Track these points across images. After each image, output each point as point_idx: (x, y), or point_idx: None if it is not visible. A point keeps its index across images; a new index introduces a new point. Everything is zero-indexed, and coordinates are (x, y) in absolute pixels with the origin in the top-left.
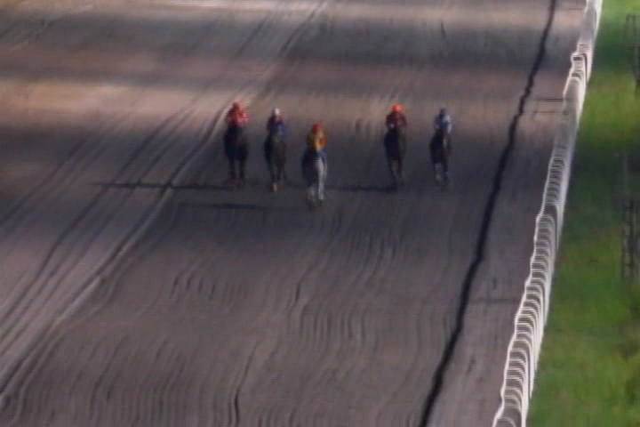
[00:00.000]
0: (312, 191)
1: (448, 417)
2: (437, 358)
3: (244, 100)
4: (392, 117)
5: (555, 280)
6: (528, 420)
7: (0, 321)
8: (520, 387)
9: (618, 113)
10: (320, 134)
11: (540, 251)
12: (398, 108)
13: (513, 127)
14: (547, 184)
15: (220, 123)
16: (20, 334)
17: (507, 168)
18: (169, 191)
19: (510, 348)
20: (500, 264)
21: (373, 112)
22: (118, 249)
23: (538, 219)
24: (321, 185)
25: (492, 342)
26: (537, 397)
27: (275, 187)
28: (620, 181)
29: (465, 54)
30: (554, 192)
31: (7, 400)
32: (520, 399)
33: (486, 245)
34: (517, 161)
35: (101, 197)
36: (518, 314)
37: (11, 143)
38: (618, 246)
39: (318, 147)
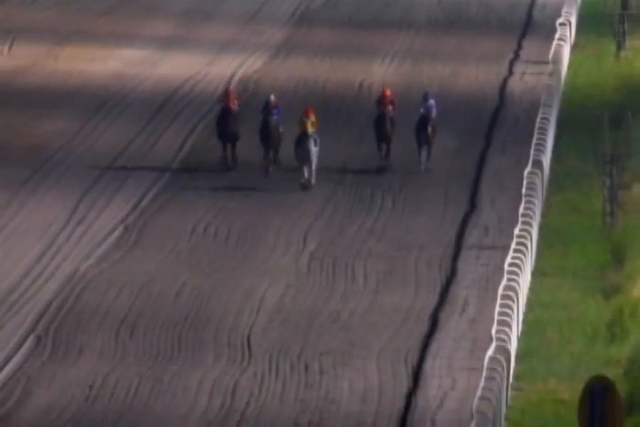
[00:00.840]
0: (305, 173)
1: (443, 354)
2: (433, 300)
3: (256, 63)
4: (382, 101)
5: (541, 228)
6: (517, 357)
7: (31, 266)
8: (509, 326)
9: (599, 74)
10: (312, 117)
11: (527, 201)
12: (388, 91)
13: (503, 87)
14: (534, 140)
15: (234, 84)
16: (50, 277)
17: (497, 125)
18: (187, 146)
19: (500, 290)
20: (491, 213)
21: (375, 73)
22: (140, 200)
23: (526, 172)
24: (313, 167)
25: (483, 285)
26: (525, 335)
27: (270, 169)
28: (602, 137)
29: (459, 20)
30: (540, 147)
31: (38, 339)
32: (509, 338)
33: (478, 196)
34: (507, 118)
35: (125, 152)
36: (508, 259)
37: (41, 102)
38: (599, 197)
39: (310, 129)
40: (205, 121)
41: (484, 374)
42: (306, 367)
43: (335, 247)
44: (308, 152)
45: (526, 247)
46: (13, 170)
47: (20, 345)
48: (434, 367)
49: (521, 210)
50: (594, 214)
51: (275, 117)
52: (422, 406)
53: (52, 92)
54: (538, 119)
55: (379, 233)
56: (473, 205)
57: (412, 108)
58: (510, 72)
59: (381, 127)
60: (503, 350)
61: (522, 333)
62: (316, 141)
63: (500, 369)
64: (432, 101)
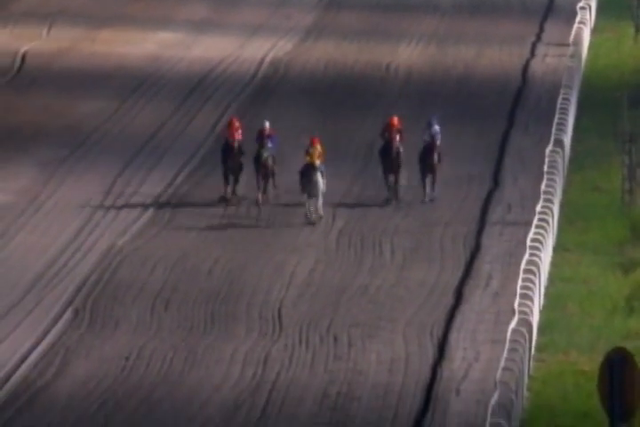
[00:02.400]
0: (311, 206)
1: (467, 326)
2: (458, 275)
3: (286, 45)
4: (388, 130)
5: (562, 205)
6: (539, 329)
7: (69, 241)
8: (531, 300)
9: (618, 56)
10: (318, 148)
11: (549, 179)
12: (395, 121)
13: (525, 69)
14: (555, 119)
15: (265, 66)
16: (88, 252)
17: (520, 105)
18: (220, 126)
19: (523, 265)
20: (513, 191)
21: (401, 55)
22: (175, 177)
23: (547, 150)
24: (320, 199)
25: (506, 260)
26: (546, 309)
27: (260, 199)
28: (621, 117)
29: (482, 4)
30: (562, 127)
31: (76, 312)
32: (531, 311)
33: (501, 174)
34: (529, 99)
35: (160, 131)
36: (530, 235)
37: (79, 83)
38: (618, 175)
39: (317, 161)
40: (238, 101)
41: (507, 345)
42: (335, 339)
43: (362, 224)
44: (315, 184)
45: (548, 223)
46: (52, 149)
47: (58, 318)
48: (458, 339)
49: (543, 187)
50: (613, 192)
51: (268, 147)
52: (447, 377)
53: (89, 74)
54: (559, 100)
55: (405, 210)
56: (496, 182)
57: (436, 89)
58: (532, 54)
59: (387, 158)
60: (525, 323)
61: (543, 306)
62: (322, 173)
63: (522, 341)
64: (437, 127)
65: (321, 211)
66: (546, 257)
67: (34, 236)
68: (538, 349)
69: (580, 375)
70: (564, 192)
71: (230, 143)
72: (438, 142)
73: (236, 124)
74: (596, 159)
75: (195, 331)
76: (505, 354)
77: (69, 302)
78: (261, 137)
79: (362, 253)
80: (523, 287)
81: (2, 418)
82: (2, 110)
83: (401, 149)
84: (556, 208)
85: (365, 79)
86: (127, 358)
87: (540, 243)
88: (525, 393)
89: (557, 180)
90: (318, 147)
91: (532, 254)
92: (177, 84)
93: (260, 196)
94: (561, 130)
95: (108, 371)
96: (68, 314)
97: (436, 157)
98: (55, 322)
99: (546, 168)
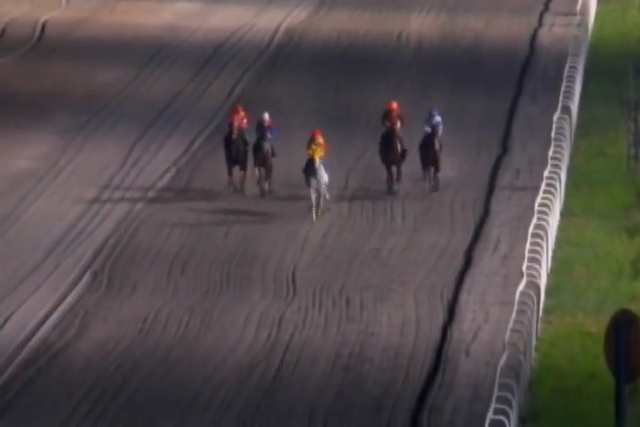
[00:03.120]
0: (315, 201)
1: (477, 289)
2: (467, 238)
3: (300, 15)
4: (388, 116)
5: (569, 171)
6: (546, 292)
7: (88, 206)
8: (539, 263)
9: (624, 26)
10: (320, 141)
11: (556, 145)
12: (394, 105)
13: (533, 38)
14: (562, 87)
15: (280, 35)
16: (106, 217)
17: (528, 73)
18: (235, 93)
19: (531, 229)
20: (522, 157)
21: (412, 24)
22: (191, 143)
23: (555, 117)
24: (322, 194)
25: (515, 224)
26: (554, 272)
27: (262, 189)
28: (626, 85)
29: None
30: (569, 94)
31: (94, 275)
32: (539, 274)
33: (510, 140)
34: (537, 67)
35: (177, 99)
36: (538, 200)
37: (98, 52)
38: (624, 141)
39: (318, 155)
40: (253, 70)
41: (516, 307)
42: (347, 302)
43: (374, 188)
44: (319, 180)
45: (555, 189)
46: (71, 116)
47: (77, 281)
48: (468, 302)
49: (550, 153)
50: (619, 158)
51: (269, 138)
52: (457, 339)
53: (108, 43)
54: (566, 68)
55: (416, 176)
56: (505, 148)
57: (446, 58)
58: (540, 23)
59: (389, 148)
60: (533, 286)
61: (551, 269)
62: (325, 167)
63: (530, 303)
64: (438, 118)
65: (323, 204)
66: (553, 221)
67: (53, 201)
68: (545, 311)
69: (587, 337)
70: (571, 158)
71: (234, 132)
72: (440, 133)
73: (241, 112)
74: (602, 126)
75: (210, 294)
76: (513, 316)
77: (88, 266)
78: (261, 128)
79: (374, 218)
80: (531, 251)
81: (23, 378)
82: (22, 79)
83: (401, 138)
84: (563, 174)
85: (377, 48)
86: (144, 321)
87: (548, 207)
88: (533, 354)
89: (564, 146)
90: (320, 140)
91: (539, 219)
92: (193, 53)
93: (261, 186)
94: (568, 97)
95: (126, 333)
96: (86, 277)
97: (437, 146)
98: (74, 285)
99: (553, 135)
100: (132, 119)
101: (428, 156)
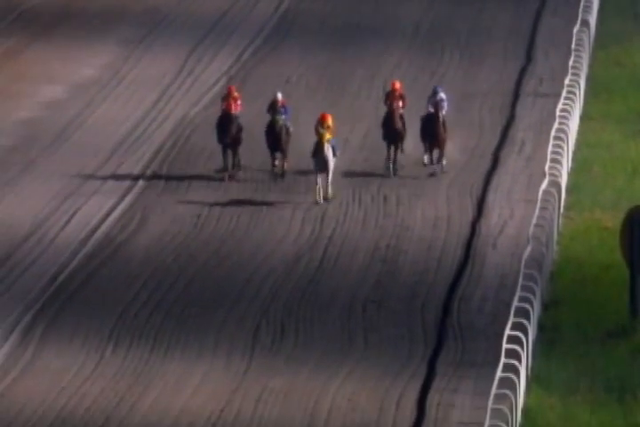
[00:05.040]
0: (320, 183)
1: (503, 187)
2: (495, 141)
3: None
4: (391, 95)
5: (588, 79)
6: (567, 190)
7: (147, 111)
8: (560, 164)
9: None
10: (329, 123)
11: (576, 55)
12: (397, 84)
13: None
14: (582, 2)
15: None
16: (164, 121)
17: None
18: (283, 7)
19: (553, 133)
20: (545, 66)
21: None
22: (242, 53)
23: (575, 30)
24: (330, 176)
25: (538, 128)
26: (574, 172)
27: (279, 167)
28: None
29: None
30: (588, 9)
31: (153, 174)
32: (560, 174)
33: (534, 51)
34: None
35: (228, 13)
36: (559, 106)
37: None
38: (638, 52)
39: (327, 137)
40: None
41: (539, 204)
42: (385, 199)
43: (410, 95)
44: (325, 161)
45: (575, 95)
46: (131, 29)
47: (137, 180)
48: (495, 199)
49: (571, 63)
50: (634, 67)
51: (282, 117)
52: (485, 233)
53: None
54: None
55: (448, 82)
56: (529, 58)
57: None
58: None
59: (391, 127)
60: (555, 184)
61: (571, 169)
62: (334, 149)
63: (552, 201)
64: (442, 95)
65: (330, 190)
66: (573, 125)
67: (116, 106)
68: (566, 207)
69: (604, 231)
70: (590, 67)
71: (227, 115)
72: (443, 112)
73: (235, 93)
74: (618, 38)
75: (259, 191)
76: (537, 212)
77: (147, 166)
78: (274, 107)
79: (408, 123)
80: (553, 153)
81: (88, 269)
82: None
83: (403, 117)
84: (582, 82)
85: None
86: (199, 216)
87: (569, 113)
88: (555, 247)
89: (584, 56)
90: (329, 122)
91: (560, 123)
92: None
93: (277, 163)
94: (587, 11)
95: (182, 227)
96: (146, 176)
97: (440, 127)
98: (134, 183)
99: (573, 46)
100: (187, 31)
101: (432, 138)
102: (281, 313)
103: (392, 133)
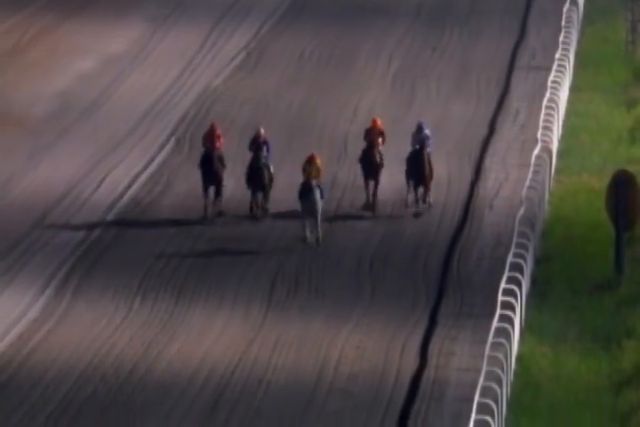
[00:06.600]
0: (308, 226)
1: (499, 153)
2: (491, 110)
3: None
4: (370, 132)
5: (577, 53)
6: (557, 155)
7: (172, 82)
8: (551, 131)
9: None
10: (316, 165)
11: (566, 32)
12: (378, 122)
13: None
14: None
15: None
16: (187, 92)
17: None
18: None
19: (545, 102)
20: (537, 41)
21: None
22: (260, 29)
23: (565, 8)
24: (318, 218)
25: (531, 98)
26: (563, 138)
27: (258, 214)
28: None
29: None
30: None
31: (178, 141)
32: (552, 140)
33: (527, 27)
34: None
35: None
36: (550, 78)
37: None
38: (623, 29)
39: (315, 179)
40: None
41: (531, 168)
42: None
43: (414, 68)
44: (313, 204)
45: (565, 68)
46: (156, 7)
47: (163, 146)
48: (491, 164)
49: (561, 38)
50: (619, 43)
51: (264, 154)
52: (482, 195)
53: None
54: None
55: (448, 56)
56: (523, 34)
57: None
58: None
59: (369, 163)
60: (547, 150)
61: (561, 136)
62: (321, 191)
63: (544, 165)
64: (427, 131)
65: (318, 232)
66: (563, 96)
67: (143, 78)
68: (557, 171)
69: (591, 193)
70: (579, 43)
71: (210, 154)
72: (429, 149)
73: (218, 131)
74: (604, 16)
75: (279, 155)
76: (530, 176)
77: (172, 133)
78: (256, 143)
79: (413, 93)
80: (544, 121)
81: (117, 228)
82: None
83: (382, 158)
84: (571, 56)
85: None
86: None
87: (559, 84)
88: (546, 208)
89: (573, 32)
90: (317, 164)
91: (552, 93)
92: None
93: (255, 208)
94: None
95: None
96: (171, 143)
97: (426, 164)
98: (160, 149)
99: (563, 23)
100: (209, 8)
101: (418, 176)
102: (295, 268)
103: (371, 168)
